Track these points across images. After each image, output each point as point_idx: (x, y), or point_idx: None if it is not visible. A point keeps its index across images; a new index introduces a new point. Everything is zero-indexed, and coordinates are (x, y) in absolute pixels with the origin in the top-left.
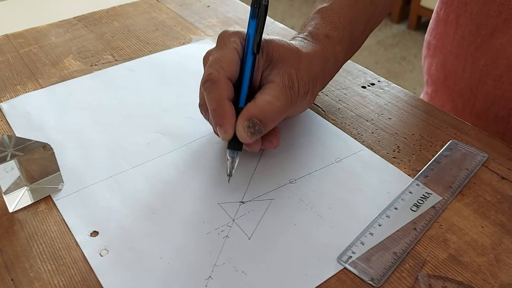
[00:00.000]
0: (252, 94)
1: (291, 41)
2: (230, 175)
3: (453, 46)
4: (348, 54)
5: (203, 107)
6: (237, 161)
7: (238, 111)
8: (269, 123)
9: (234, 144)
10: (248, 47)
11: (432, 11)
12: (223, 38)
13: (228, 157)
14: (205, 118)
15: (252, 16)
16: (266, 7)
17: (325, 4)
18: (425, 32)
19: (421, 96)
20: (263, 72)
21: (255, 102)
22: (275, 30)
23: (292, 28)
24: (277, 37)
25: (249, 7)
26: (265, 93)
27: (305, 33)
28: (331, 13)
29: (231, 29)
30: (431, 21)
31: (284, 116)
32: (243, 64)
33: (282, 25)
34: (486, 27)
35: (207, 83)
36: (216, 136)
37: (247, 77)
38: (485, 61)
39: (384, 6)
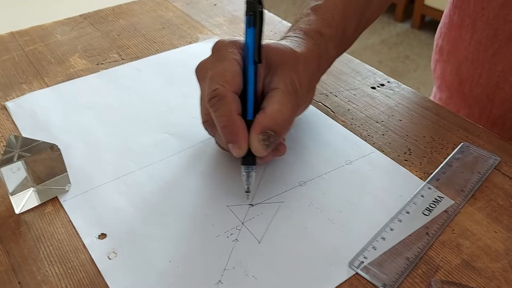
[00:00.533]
0: (256, 103)
1: (284, 42)
2: (248, 191)
3: (468, 51)
4: (340, 51)
5: (208, 123)
6: (253, 176)
7: (247, 123)
8: (283, 132)
9: (248, 160)
10: (248, 57)
11: (436, 10)
12: (220, 49)
13: (244, 173)
14: (211, 135)
15: (248, 24)
16: (262, 12)
17: (319, 2)
18: (429, 31)
19: (432, 98)
20: (264, 80)
21: (265, 113)
22: (282, 29)
23: None
24: (271, 41)
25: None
26: (272, 102)
27: (297, 30)
28: (324, 10)
29: (226, 39)
30: (441, 25)
31: (294, 122)
32: (245, 75)
33: (290, 24)
34: (504, 32)
35: (214, 100)
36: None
37: (252, 88)
38: (502, 66)
39: (378, 4)
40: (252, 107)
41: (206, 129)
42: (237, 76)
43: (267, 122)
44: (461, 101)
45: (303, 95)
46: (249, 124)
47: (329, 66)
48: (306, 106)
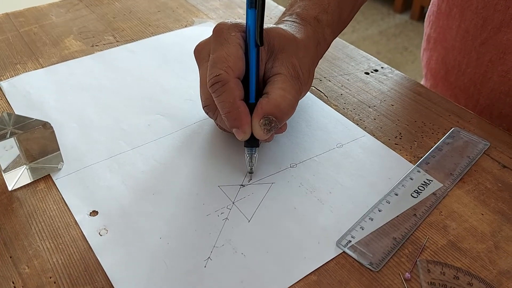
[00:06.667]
0: (257, 86)
1: (283, 26)
2: (251, 172)
3: (456, 40)
4: (336, 35)
5: (209, 107)
6: (256, 157)
7: (249, 107)
8: (285, 118)
9: (251, 142)
10: (250, 40)
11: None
12: (222, 32)
13: (247, 155)
14: (212, 118)
15: (250, 5)
16: None
17: None
18: None
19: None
20: (266, 64)
21: (268, 98)
22: (278, 14)
23: None
24: (273, 25)
25: None
26: (276, 87)
27: (294, 15)
28: None
29: (228, 21)
30: (430, 14)
31: (296, 107)
32: (247, 58)
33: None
34: (493, 22)
35: (217, 85)
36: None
37: (254, 71)
38: (491, 56)
39: None
40: (254, 91)
41: (207, 113)
42: (240, 61)
43: (270, 107)
44: (446, 90)
45: (304, 81)
46: (251, 107)
47: (325, 51)
48: (306, 92)
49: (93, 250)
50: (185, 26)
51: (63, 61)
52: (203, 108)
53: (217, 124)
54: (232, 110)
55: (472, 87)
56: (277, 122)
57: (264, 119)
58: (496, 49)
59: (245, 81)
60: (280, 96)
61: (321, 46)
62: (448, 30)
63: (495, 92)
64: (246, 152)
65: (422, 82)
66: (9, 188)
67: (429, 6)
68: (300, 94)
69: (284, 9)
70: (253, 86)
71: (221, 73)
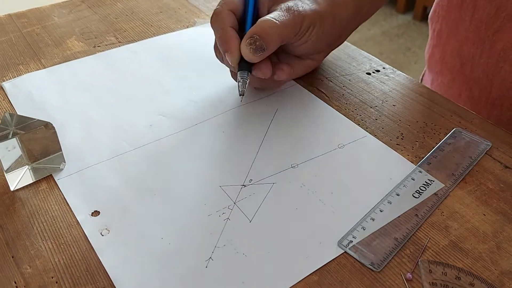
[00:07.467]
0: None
1: None
2: (242, 94)
3: (469, 31)
4: (357, 10)
5: (216, 47)
6: (247, 82)
7: None
8: (268, 38)
9: (243, 65)
10: None
11: None
12: None
13: (239, 78)
14: (220, 61)
15: None
16: None
17: None
18: None
19: (429, 85)
20: (268, 9)
21: (256, 23)
22: None
23: None
24: None
25: None
26: (265, 16)
27: None
28: None
29: None
30: (437, 9)
31: (286, 37)
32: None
33: None
34: (506, 9)
35: (213, 17)
36: (219, 118)
37: (251, 5)
38: (503, 44)
39: None
40: (250, 22)
41: (216, 56)
42: None
43: (256, 29)
44: (462, 83)
45: (299, 21)
46: None
47: (347, 17)
48: (309, 45)
49: (95, 250)
50: (187, 27)
51: (65, 62)
52: (214, 48)
53: (232, 76)
54: (222, 34)
55: (485, 78)
56: (262, 42)
57: (249, 39)
58: (509, 36)
59: (245, 18)
60: (265, 19)
61: (338, 7)
62: (461, 22)
63: (506, 82)
64: (238, 75)
65: (429, 82)
66: (11, 188)
67: (435, 1)
68: (293, 25)
69: None
70: (250, 18)
71: (217, 7)
